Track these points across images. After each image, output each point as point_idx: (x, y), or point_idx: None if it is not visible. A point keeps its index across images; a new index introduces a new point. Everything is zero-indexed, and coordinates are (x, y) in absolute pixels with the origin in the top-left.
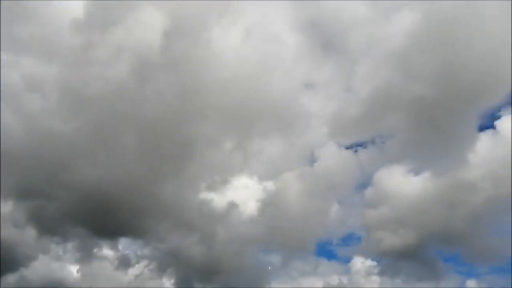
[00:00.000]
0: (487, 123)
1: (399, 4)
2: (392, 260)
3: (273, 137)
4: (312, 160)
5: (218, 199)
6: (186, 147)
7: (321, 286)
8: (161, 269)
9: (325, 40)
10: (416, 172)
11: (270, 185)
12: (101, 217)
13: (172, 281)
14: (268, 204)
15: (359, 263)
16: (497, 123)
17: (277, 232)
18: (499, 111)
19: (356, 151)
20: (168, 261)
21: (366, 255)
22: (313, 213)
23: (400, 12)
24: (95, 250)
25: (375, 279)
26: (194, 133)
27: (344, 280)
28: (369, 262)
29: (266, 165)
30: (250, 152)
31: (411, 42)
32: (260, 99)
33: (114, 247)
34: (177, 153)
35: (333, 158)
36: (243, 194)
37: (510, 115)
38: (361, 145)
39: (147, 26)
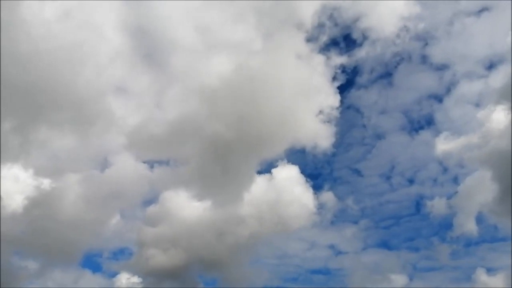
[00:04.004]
0: (266, 169)
1: (221, 49)
2: (157, 279)
3: (65, 131)
4: (104, 165)
5: None
6: None
7: None
8: None
9: (149, 50)
10: (199, 198)
11: (46, 183)
12: None
13: None
14: (38, 203)
15: (125, 279)
16: (273, 170)
17: (41, 236)
18: (277, 161)
19: (152, 167)
20: None
21: (134, 271)
22: (90, 221)
23: (219, 55)
24: None
25: None
26: None
27: None
28: (135, 279)
29: (48, 160)
30: (31, 140)
31: (222, 85)
32: (60, 86)
33: None
34: None
35: (127, 168)
36: (10, 186)
37: (284, 167)
38: (157, 163)
39: None
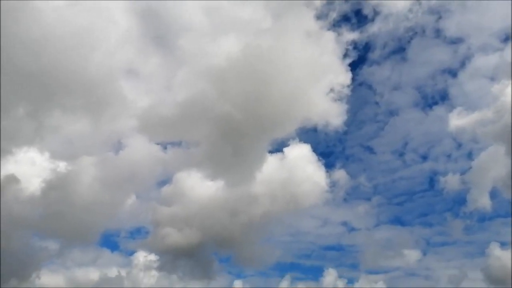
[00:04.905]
0: (277, 149)
1: (229, 29)
2: (173, 257)
3: (78, 115)
4: (118, 148)
5: None
6: None
7: (97, 277)
8: None
9: (158, 33)
10: (212, 178)
11: (62, 166)
12: None
13: None
14: (56, 186)
15: (142, 257)
16: (285, 149)
17: (60, 217)
18: (289, 140)
19: (165, 148)
20: None
21: (150, 249)
22: (106, 203)
23: (228, 35)
24: None
25: (154, 273)
26: None
27: (123, 272)
28: (152, 257)
29: (63, 144)
30: (46, 125)
31: (230, 65)
32: (72, 70)
33: None
34: None
35: (141, 150)
36: (27, 169)
37: (296, 145)
38: (169, 144)
39: None
